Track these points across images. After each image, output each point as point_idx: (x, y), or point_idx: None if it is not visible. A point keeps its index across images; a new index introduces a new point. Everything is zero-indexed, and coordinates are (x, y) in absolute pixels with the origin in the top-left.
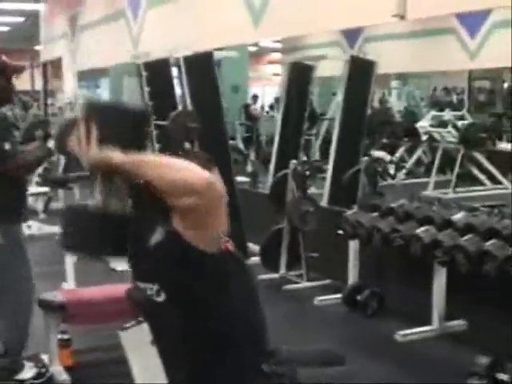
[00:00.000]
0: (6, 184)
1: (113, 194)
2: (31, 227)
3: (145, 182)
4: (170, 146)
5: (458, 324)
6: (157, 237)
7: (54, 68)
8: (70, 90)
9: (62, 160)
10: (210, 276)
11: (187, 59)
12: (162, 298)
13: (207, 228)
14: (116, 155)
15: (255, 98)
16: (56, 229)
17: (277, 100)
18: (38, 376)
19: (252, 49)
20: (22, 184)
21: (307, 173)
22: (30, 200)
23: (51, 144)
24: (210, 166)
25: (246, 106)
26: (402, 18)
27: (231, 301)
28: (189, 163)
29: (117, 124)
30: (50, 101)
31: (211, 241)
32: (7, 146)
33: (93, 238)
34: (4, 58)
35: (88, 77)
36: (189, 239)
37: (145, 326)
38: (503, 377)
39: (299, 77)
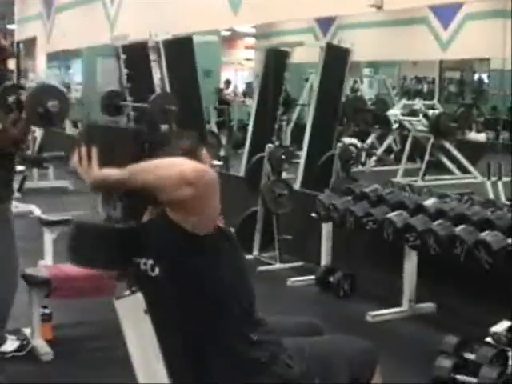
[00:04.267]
0: None
1: (116, 209)
2: None
3: (142, 188)
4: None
5: (428, 306)
6: (148, 214)
7: (27, 48)
8: (41, 70)
9: (38, 139)
10: (202, 254)
11: (166, 43)
12: (155, 272)
13: (201, 214)
14: (114, 172)
15: (228, 82)
16: (31, 207)
17: (249, 85)
18: (20, 349)
19: (225, 33)
20: (10, 162)
21: (283, 157)
22: None
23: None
24: (201, 147)
25: (219, 91)
26: (379, 8)
27: (221, 274)
28: (178, 158)
29: (115, 144)
30: (22, 81)
31: (205, 225)
32: None
33: (100, 252)
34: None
35: (59, 58)
36: (182, 224)
37: (139, 296)
38: (470, 356)
39: (275, 63)
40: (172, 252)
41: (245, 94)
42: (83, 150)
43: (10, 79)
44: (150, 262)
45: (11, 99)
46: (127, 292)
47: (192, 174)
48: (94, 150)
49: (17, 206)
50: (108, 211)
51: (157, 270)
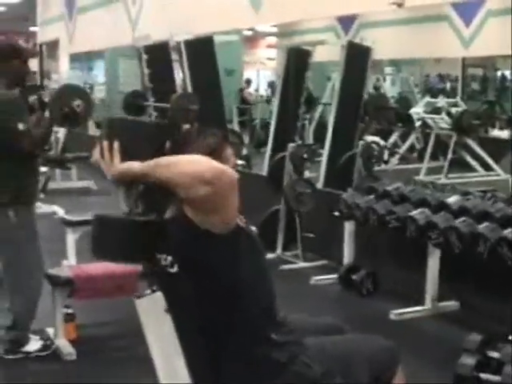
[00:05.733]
0: (19, 164)
1: (138, 204)
2: None
3: (162, 182)
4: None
5: (451, 304)
6: (170, 212)
7: (49, 49)
8: (64, 71)
9: (61, 140)
10: (221, 253)
11: (188, 43)
12: (175, 269)
13: (219, 213)
14: (135, 165)
15: (248, 82)
16: (54, 208)
17: (270, 84)
18: (44, 348)
19: (246, 33)
20: (34, 163)
21: (305, 156)
22: None
23: (47, 113)
24: (226, 145)
25: (240, 90)
26: (400, 5)
27: (239, 273)
28: (198, 156)
29: (137, 138)
30: (44, 82)
31: (223, 224)
32: (21, 127)
33: (123, 245)
34: (20, 41)
35: (81, 59)
36: (200, 224)
37: (159, 295)
38: (494, 354)
39: (297, 61)
40: (189, 249)
41: (269, 93)
42: (105, 143)
43: (33, 80)
44: (170, 258)
45: (32, 99)
46: (148, 291)
47: (209, 174)
48: (116, 144)
49: (40, 207)
50: (130, 206)
51: (176, 267)
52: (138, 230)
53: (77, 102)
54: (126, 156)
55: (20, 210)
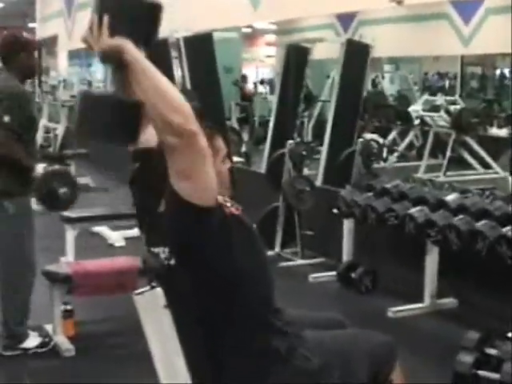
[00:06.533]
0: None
1: (125, 85)
2: None
3: (139, 97)
4: None
5: (449, 302)
6: (163, 206)
7: (48, 46)
8: (63, 68)
9: (59, 137)
10: (212, 233)
11: (187, 40)
12: (173, 261)
13: (195, 179)
14: (130, 47)
15: (244, 78)
16: None
17: (268, 82)
18: (42, 345)
19: (246, 30)
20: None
21: (304, 153)
22: None
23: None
24: (217, 134)
25: (235, 84)
26: (399, 3)
27: (235, 259)
28: (186, 105)
29: (128, 15)
30: (43, 78)
31: (204, 194)
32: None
33: (109, 124)
34: (25, 34)
35: (80, 55)
36: (183, 195)
37: (159, 291)
38: (492, 351)
39: (296, 59)
40: (181, 233)
41: (268, 88)
42: (95, 16)
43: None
44: (167, 250)
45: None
46: (147, 287)
47: (183, 130)
48: (106, 18)
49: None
50: (117, 87)
51: (174, 258)
52: (123, 109)
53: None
54: (114, 34)
55: (18, 202)
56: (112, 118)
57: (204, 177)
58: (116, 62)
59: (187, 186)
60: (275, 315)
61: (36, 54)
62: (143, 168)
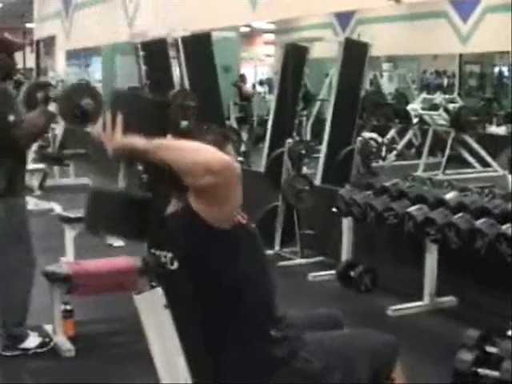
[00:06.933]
0: (9, 157)
1: (136, 179)
2: (28, 203)
3: (164, 164)
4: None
5: (449, 300)
6: (172, 207)
7: (45, 46)
8: (61, 68)
9: (59, 136)
10: (222, 249)
11: (185, 39)
12: (175, 266)
13: (222, 205)
14: (139, 141)
15: (242, 77)
16: (52, 204)
17: (266, 81)
18: (42, 345)
19: (244, 29)
20: (24, 157)
21: (303, 152)
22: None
23: (53, 107)
24: (226, 142)
25: (234, 85)
26: (398, 1)
27: (240, 269)
28: (205, 145)
29: (141, 113)
30: (41, 79)
31: (225, 217)
32: (11, 118)
33: (118, 220)
34: (6, 34)
35: (78, 55)
36: (203, 215)
37: (159, 291)
38: (492, 349)
39: (294, 58)
40: (190, 244)
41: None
42: (108, 116)
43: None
44: (170, 255)
45: (40, 95)
46: (147, 287)
47: (218, 164)
48: (120, 118)
49: (37, 204)
50: (128, 183)
51: (176, 264)
52: (132, 205)
53: (87, 101)
54: (128, 131)
55: (12, 204)
56: (121, 215)
57: (231, 204)
58: (127, 158)
59: (211, 210)
60: (276, 323)
61: (15, 55)
62: (153, 172)
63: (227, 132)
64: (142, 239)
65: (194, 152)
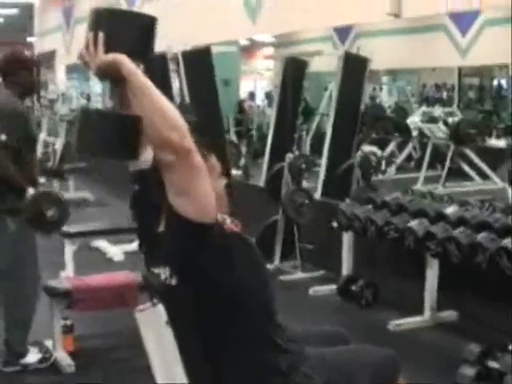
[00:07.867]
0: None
1: (123, 101)
2: None
3: (137, 113)
4: None
5: (450, 314)
6: (162, 227)
7: (47, 60)
8: (61, 82)
9: (58, 151)
10: (212, 250)
11: (185, 54)
12: (174, 281)
13: (193, 195)
14: (127, 61)
15: (252, 95)
16: None
17: (267, 95)
18: (42, 361)
19: (244, 43)
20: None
21: (303, 166)
22: None
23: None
24: (210, 152)
25: (240, 102)
26: (397, 16)
27: (236, 276)
28: (183, 123)
29: (125, 31)
30: (42, 93)
31: (201, 210)
32: (3, 137)
33: (113, 140)
34: (26, 52)
35: (78, 69)
36: (181, 211)
37: (160, 308)
38: (494, 365)
39: (293, 72)
40: (183, 253)
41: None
42: (90, 34)
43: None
44: (168, 270)
45: None
46: (148, 304)
47: (179, 147)
48: (101, 35)
49: None
50: (115, 102)
51: (175, 279)
52: (122, 125)
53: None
54: (110, 50)
55: (19, 219)
56: (111, 133)
57: (202, 193)
58: (112, 77)
59: (185, 202)
60: (277, 333)
61: (35, 70)
62: (142, 189)
63: (223, 144)
64: (132, 159)
65: (167, 108)
